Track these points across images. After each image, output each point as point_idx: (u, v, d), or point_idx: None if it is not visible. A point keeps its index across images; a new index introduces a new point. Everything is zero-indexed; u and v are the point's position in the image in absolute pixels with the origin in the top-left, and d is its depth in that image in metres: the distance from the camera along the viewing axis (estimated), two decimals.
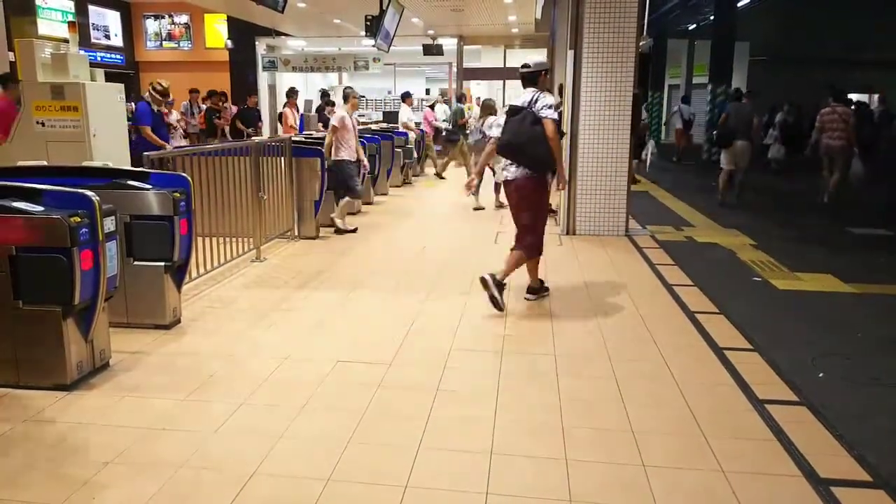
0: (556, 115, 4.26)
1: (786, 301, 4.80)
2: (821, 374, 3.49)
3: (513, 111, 4.32)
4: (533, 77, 4.35)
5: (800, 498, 2.35)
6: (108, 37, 16.24)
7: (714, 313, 4.37)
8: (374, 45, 10.70)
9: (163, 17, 17.18)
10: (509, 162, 4.37)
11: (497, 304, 4.30)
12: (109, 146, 5.81)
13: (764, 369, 3.46)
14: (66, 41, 6.21)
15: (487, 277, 4.31)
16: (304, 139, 7.34)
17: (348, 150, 6.80)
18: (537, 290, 4.67)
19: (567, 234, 6.81)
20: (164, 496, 2.32)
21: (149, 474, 2.44)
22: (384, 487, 2.38)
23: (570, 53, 6.54)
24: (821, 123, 9.05)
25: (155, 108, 7.10)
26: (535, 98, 4.24)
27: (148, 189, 3.84)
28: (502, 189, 5.30)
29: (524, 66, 4.44)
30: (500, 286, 4.32)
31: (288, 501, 2.31)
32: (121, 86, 6.52)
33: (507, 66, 16.36)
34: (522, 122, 4.22)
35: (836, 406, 3.04)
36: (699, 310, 4.42)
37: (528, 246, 4.43)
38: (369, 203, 8.78)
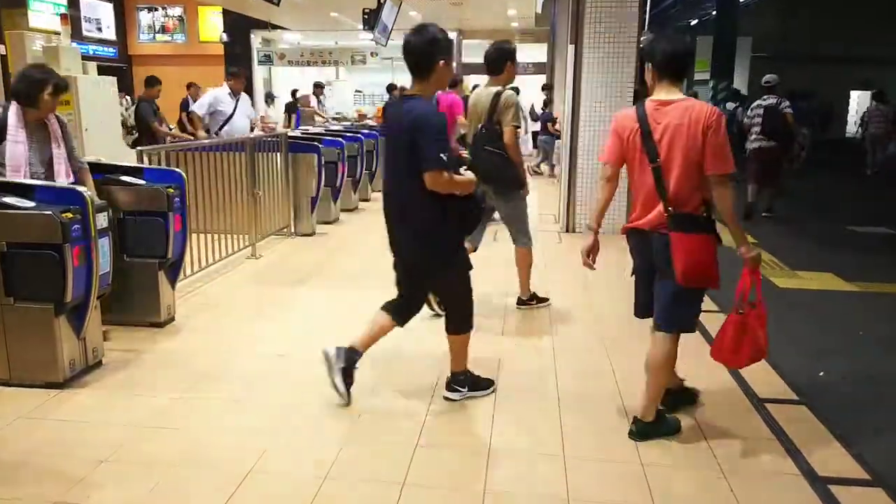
0: (792, 111, 7.27)
1: (786, 300, 4.78)
2: (821, 374, 3.47)
3: (768, 109, 7.32)
4: (774, 87, 7.47)
5: (799, 496, 2.34)
6: (100, 29, 16.11)
7: (714, 312, 4.35)
8: (371, 40, 10.60)
9: (156, 10, 17.04)
10: (760, 136, 7.39)
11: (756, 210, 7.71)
12: (102, 140, 5.75)
13: (764, 368, 3.43)
14: (57, 34, 6.17)
15: (765, 216, 7.51)
16: (300, 135, 7.29)
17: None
18: (771, 207, 7.80)
19: (566, 232, 6.77)
20: (158, 494, 2.29)
21: (143, 472, 2.41)
22: (382, 485, 2.35)
23: (571, 48, 6.49)
24: (868, 118, 12.54)
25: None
26: (779, 101, 7.35)
27: (142, 184, 3.80)
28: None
29: (766, 81, 7.54)
30: (771, 209, 7.79)
31: (284, 500, 2.29)
32: (113, 79, 6.46)
33: None
34: (774, 114, 7.26)
35: (835, 405, 3.03)
36: None
37: (779, 180, 7.66)
38: (366, 200, 8.74)
